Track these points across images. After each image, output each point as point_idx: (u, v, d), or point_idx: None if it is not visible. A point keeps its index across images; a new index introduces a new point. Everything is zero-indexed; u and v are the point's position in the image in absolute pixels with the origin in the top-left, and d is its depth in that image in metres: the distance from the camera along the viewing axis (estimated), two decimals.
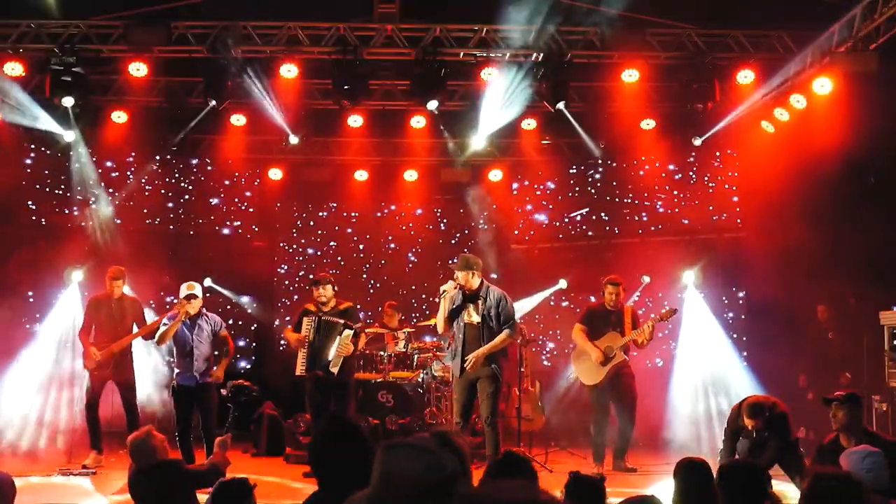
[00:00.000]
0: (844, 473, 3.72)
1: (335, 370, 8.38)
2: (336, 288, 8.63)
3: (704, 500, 3.97)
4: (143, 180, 11.95)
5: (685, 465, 4.23)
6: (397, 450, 2.23)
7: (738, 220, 11.63)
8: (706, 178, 11.99)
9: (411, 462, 2.18)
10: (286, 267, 13.01)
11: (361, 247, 13.01)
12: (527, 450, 8.78)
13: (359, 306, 10.16)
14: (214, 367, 8.28)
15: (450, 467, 2.19)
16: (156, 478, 5.16)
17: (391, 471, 2.18)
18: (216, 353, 8.35)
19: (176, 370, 8.25)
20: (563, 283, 11.51)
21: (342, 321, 8.43)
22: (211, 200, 12.50)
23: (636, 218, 12.33)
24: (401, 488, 2.15)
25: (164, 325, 8.16)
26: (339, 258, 12.88)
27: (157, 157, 11.90)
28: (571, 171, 12.66)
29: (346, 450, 3.17)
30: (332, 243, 13.02)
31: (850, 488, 3.51)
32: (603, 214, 12.63)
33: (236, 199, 12.68)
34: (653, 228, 12.17)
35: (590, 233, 12.67)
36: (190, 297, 8.07)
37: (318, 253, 12.98)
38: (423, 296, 12.54)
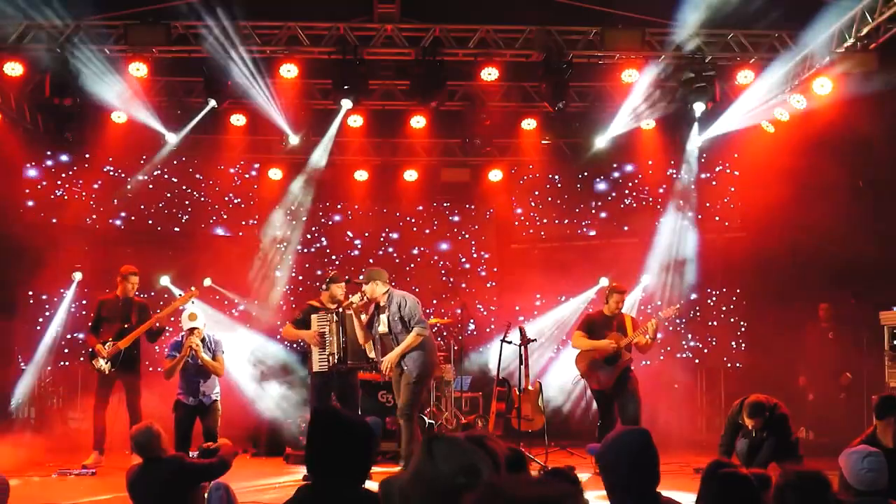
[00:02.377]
0: (814, 471, 3.72)
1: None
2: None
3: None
4: (143, 180, 11.96)
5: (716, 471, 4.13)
6: (440, 444, 2.23)
7: (738, 220, 11.63)
8: (706, 178, 11.98)
9: (450, 459, 2.18)
10: (279, 266, 12.95)
11: (358, 243, 12.99)
12: (527, 450, 8.79)
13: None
14: (217, 390, 8.28)
15: (485, 473, 2.19)
16: (159, 472, 5.11)
17: (427, 464, 2.18)
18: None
19: (179, 389, 8.21)
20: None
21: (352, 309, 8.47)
22: (212, 201, 12.48)
23: (636, 218, 12.33)
24: (433, 483, 2.15)
25: (172, 356, 8.13)
26: (336, 258, 12.86)
27: (157, 157, 11.90)
28: (571, 170, 12.66)
29: (337, 444, 3.13)
30: (323, 240, 12.98)
31: (817, 484, 3.53)
32: (603, 214, 12.65)
33: (236, 199, 12.67)
34: (650, 224, 12.17)
35: (591, 232, 12.68)
36: (191, 330, 8.05)
37: (312, 251, 12.95)
38: (424, 295, 12.53)
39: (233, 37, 9.34)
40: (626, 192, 12.48)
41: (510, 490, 1.52)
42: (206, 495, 4.99)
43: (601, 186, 12.64)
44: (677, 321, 11.42)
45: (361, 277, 8.07)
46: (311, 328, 8.40)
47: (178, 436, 8.04)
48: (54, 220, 11.30)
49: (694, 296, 11.60)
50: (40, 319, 10.92)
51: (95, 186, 11.66)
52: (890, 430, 5.60)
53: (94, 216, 11.65)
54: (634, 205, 12.42)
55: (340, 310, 8.41)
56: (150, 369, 9.84)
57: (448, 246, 12.96)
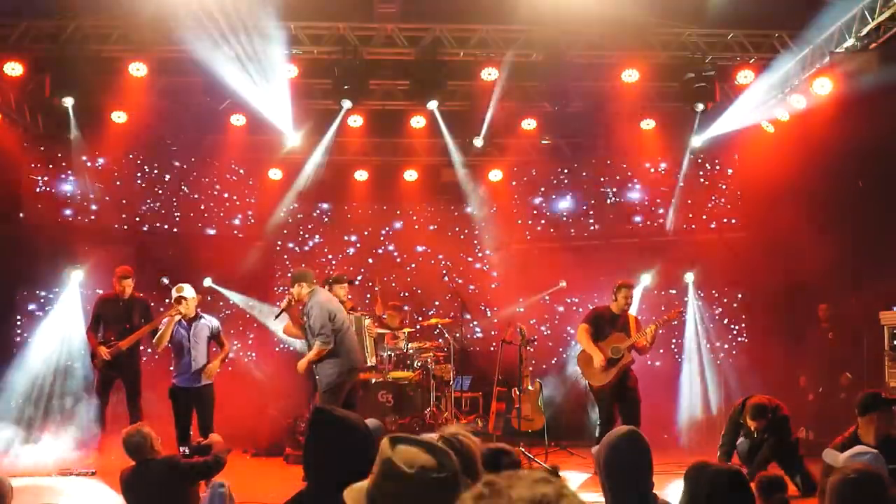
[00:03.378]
0: (873, 469, 3.68)
1: (373, 360, 8.50)
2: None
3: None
4: (143, 180, 11.95)
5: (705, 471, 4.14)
6: (399, 444, 2.21)
7: (738, 220, 11.63)
8: (706, 178, 11.99)
9: (411, 458, 2.16)
10: (278, 266, 12.94)
11: (356, 239, 12.98)
12: (527, 449, 8.79)
13: (359, 308, 10.14)
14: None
15: (448, 468, 2.17)
16: (152, 473, 5.10)
17: (391, 465, 2.16)
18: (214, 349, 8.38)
19: (174, 372, 8.23)
20: (562, 284, 11.43)
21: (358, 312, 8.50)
22: (210, 201, 12.47)
23: (636, 218, 12.33)
24: (399, 483, 2.14)
25: (161, 327, 8.17)
26: (335, 259, 12.85)
27: (157, 158, 11.90)
28: (570, 171, 12.66)
29: (336, 445, 3.10)
30: (318, 237, 12.97)
31: (877, 482, 3.50)
32: (603, 214, 12.64)
33: (236, 199, 12.66)
34: (650, 224, 12.18)
35: (588, 231, 12.69)
36: (179, 299, 8.07)
37: (310, 250, 12.94)
38: (424, 295, 12.55)
39: (232, 36, 9.35)
40: (626, 191, 12.46)
41: (507, 488, 1.52)
42: (208, 493, 4.98)
43: (601, 187, 12.63)
44: (676, 322, 11.41)
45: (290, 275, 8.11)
46: None
47: (178, 424, 8.07)
48: (54, 220, 11.29)
49: (692, 296, 11.60)
50: (39, 318, 10.91)
51: (95, 186, 11.65)
52: (872, 428, 5.60)
53: (93, 216, 11.63)
54: (635, 205, 12.40)
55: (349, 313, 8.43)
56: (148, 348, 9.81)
57: (448, 246, 12.94)
